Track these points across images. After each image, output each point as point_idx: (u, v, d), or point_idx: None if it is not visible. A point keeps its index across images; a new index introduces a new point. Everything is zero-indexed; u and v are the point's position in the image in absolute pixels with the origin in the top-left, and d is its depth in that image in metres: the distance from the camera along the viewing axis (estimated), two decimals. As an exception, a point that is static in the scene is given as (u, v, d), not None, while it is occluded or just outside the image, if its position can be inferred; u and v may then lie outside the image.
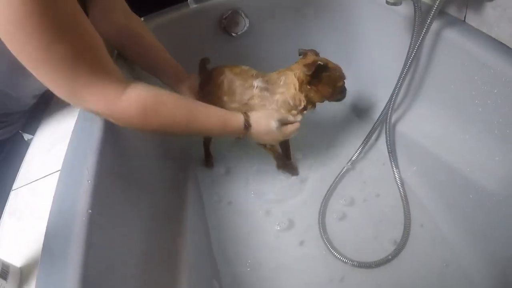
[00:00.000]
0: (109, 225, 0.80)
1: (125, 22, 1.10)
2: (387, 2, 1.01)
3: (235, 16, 1.52)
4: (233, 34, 1.58)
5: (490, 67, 1.00)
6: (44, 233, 0.72)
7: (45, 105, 1.15)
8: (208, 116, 0.95)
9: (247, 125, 1.01)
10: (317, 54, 1.16)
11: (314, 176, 1.38)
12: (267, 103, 1.13)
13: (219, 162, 1.48)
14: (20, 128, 1.16)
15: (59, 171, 0.85)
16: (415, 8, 1.05)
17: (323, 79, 1.11)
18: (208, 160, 1.47)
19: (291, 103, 1.12)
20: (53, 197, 0.77)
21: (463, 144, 1.14)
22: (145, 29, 1.17)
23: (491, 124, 1.04)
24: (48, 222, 0.72)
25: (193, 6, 1.48)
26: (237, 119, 1.00)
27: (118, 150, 0.98)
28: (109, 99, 0.78)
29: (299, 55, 1.17)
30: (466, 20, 1.08)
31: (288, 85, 1.12)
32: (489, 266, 1.00)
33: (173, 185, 1.28)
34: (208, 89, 1.20)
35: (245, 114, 1.02)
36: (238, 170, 1.45)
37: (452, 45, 1.09)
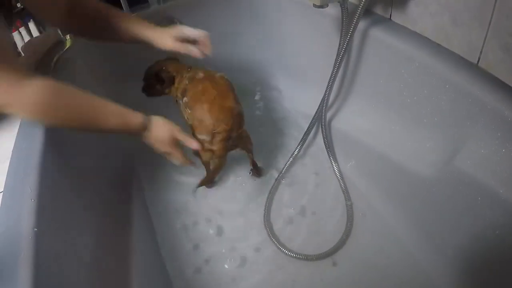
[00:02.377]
0: (56, 241, 0.80)
1: (69, 7, 1.04)
2: (314, 5, 1.05)
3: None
4: None
5: (415, 60, 1.06)
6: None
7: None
8: (108, 114, 0.93)
9: (145, 127, 0.99)
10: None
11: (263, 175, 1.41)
12: None
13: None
14: None
15: (1, 193, 0.85)
16: (342, 9, 1.10)
17: None
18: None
19: None
20: (-1, 218, 0.77)
21: (396, 134, 1.20)
22: (95, 5, 1.10)
23: (420, 113, 1.11)
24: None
25: (129, 16, 1.48)
26: (137, 121, 0.98)
27: (60, 167, 0.96)
28: (11, 82, 0.76)
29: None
30: (391, 18, 1.15)
31: None
32: (430, 245, 1.06)
33: (118, 196, 1.28)
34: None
35: (147, 118, 1.00)
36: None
37: (379, 42, 1.14)
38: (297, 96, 1.63)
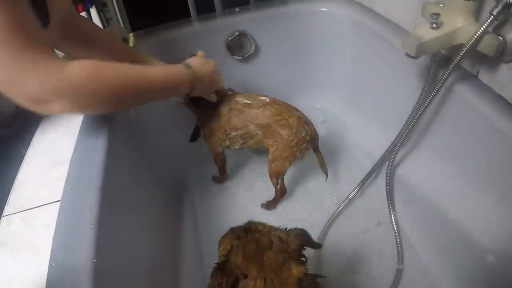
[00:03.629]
0: (114, 272, 0.77)
1: (67, 19, 1.03)
2: (407, 55, 1.00)
3: (241, 38, 1.49)
4: (239, 57, 1.56)
5: (496, 127, 1.00)
6: (41, 273, 0.69)
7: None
8: (149, 70, 0.91)
9: (188, 66, 0.99)
10: None
11: (313, 211, 1.37)
12: None
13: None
14: (11, 136, 1.10)
15: (57, 203, 0.81)
16: (431, 60, 1.06)
17: None
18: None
19: None
20: (53, 240, 0.73)
21: (462, 196, 1.14)
22: (96, 28, 1.13)
23: (492, 182, 1.04)
24: (49, 272, 0.69)
25: (196, 24, 1.44)
26: (177, 66, 0.98)
27: (118, 185, 0.94)
28: (55, 70, 0.71)
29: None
30: (478, 76, 1.08)
31: None
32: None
33: (170, 214, 1.27)
34: None
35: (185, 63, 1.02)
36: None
37: (462, 99, 1.08)
38: (361, 132, 1.58)
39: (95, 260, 0.69)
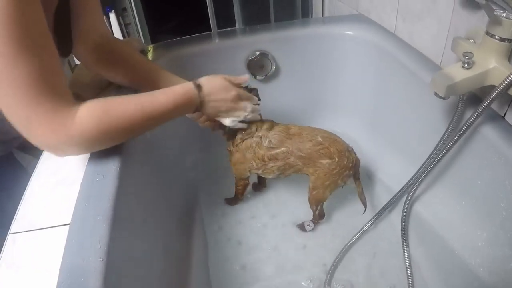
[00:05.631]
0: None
1: (102, 41, 1.05)
2: (435, 94, 0.96)
3: (262, 58, 1.46)
4: (261, 77, 1.54)
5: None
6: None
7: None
8: (155, 95, 0.90)
9: (197, 84, 0.97)
10: None
11: (323, 243, 1.35)
12: None
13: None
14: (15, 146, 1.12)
15: (66, 226, 0.78)
16: (460, 99, 1.03)
17: None
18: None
19: None
20: (60, 270, 0.70)
21: (479, 240, 1.10)
22: (129, 49, 1.13)
23: (512, 230, 1.01)
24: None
25: (216, 40, 1.41)
26: (185, 85, 0.97)
27: (129, 212, 0.91)
28: (66, 122, 0.73)
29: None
30: (505, 117, 1.04)
31: None
32: None
33: (180, 239, 1.24)
34: None
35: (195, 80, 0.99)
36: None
37: (486, 139, 1.04)
38: (378, 161, 1.55)
39: (102, 295, 0.67)
